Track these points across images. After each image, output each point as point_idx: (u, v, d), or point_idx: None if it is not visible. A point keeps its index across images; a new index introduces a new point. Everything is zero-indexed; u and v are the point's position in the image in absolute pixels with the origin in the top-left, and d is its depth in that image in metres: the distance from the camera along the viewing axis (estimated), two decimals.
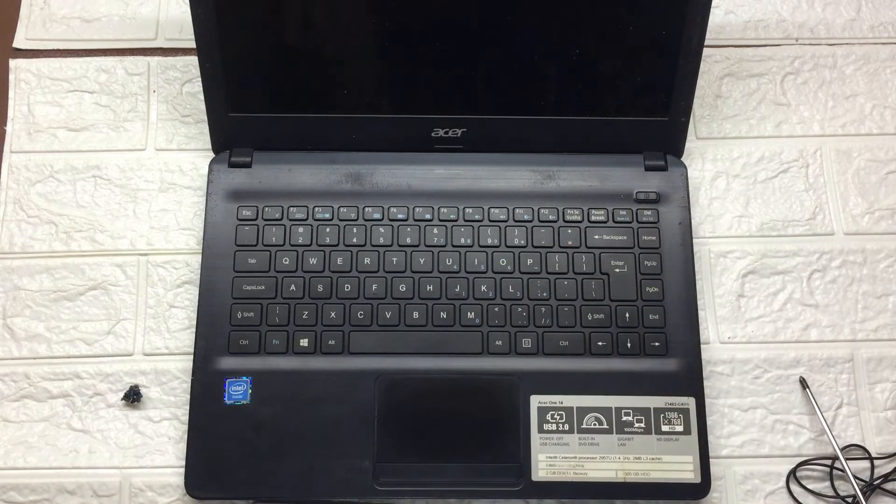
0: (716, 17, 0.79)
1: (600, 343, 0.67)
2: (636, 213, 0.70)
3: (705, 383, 0.67)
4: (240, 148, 0.71)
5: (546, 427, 0.65)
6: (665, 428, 0.65)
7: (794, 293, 0.71)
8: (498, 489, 0.64)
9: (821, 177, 0.74)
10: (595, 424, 0.65)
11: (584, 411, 0.65)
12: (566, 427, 0.65)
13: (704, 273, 0.72)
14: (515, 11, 0.65)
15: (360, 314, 0.67)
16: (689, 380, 0.66)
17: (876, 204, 0.74)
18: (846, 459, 0.66)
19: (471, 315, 0.67)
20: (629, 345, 0.67)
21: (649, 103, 0.69)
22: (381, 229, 0.69)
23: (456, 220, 0.70)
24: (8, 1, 0.78)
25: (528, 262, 0.69)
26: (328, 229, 0.69)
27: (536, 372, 0.66)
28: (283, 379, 0.66)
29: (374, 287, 0.68)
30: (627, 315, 0.68)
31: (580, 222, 0.70)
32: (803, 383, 0.69)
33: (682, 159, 0.72)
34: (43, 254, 0.71)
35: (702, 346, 0.67)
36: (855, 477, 0.65)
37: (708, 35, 0.66)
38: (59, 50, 0.77)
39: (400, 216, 0.70)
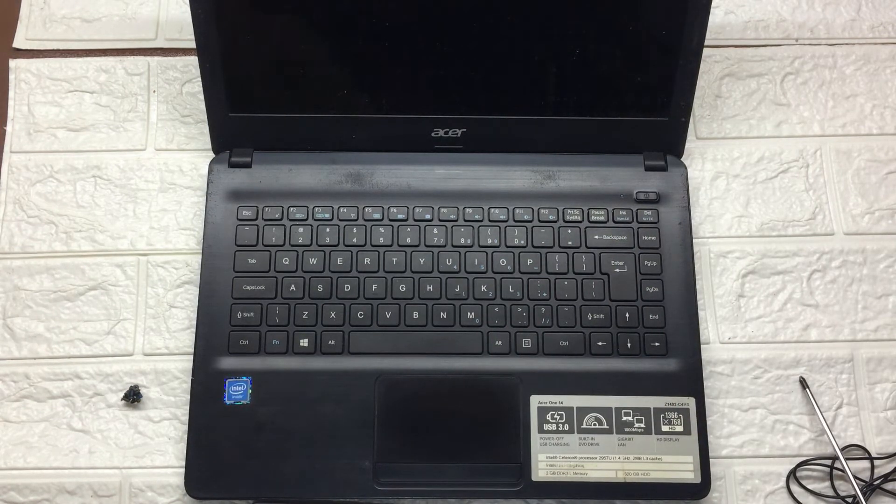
0: (716, 17, 0.79)
1: (600, 343, 0.67)
2: (636, 213, 0.70)
3: (705, 383, 0.67)
4: (240, 148, 0.71)
5: (546, 427, 0.65)
6: (665, 428, 0.65)
7: (794, 293, 0.71)
8: (498, 489, 0.64)
9: (821, 177, 0.74)
10: (595, 424, 0.65)
11: (584, 411, 0.65)
12: (566, 427, 0.65)
13: (704, 273, 0.72)
14: (515, 11, 0.65)
15: (360, 314, 0.67)
16: (689, 380, 0.66)
17: (876, 204, 0.74)
18: (846, 459, 0.66)
19: (471, 315, 0.67)
20: (629, 345, 0.67)
21: (649, 103, 0.69)
22: (381, 229, 0.69)
23: (456, 221, 0.70)
24: (8, 1, 0.78)
25: (528, 262, 0.69)
26: (328, 229, 0.69)
27: (536, 372, 0.66)
28: (283, 379, 0.66)
29: (374, 287, 0.68)
30: (627, 315, 0.68)
31: (580, 222, 0.70)
32: (803, 383, 0.69)
33: (682, 159, 0.72)
34: (43, 254, 0.71)
35: (702, 346, 0.67)
36: (855, 477, 0.65)
37: (708, 35, 0.66)
38: (59, 50, 0.77)
39: (400, 216, 0.70)
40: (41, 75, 0.76)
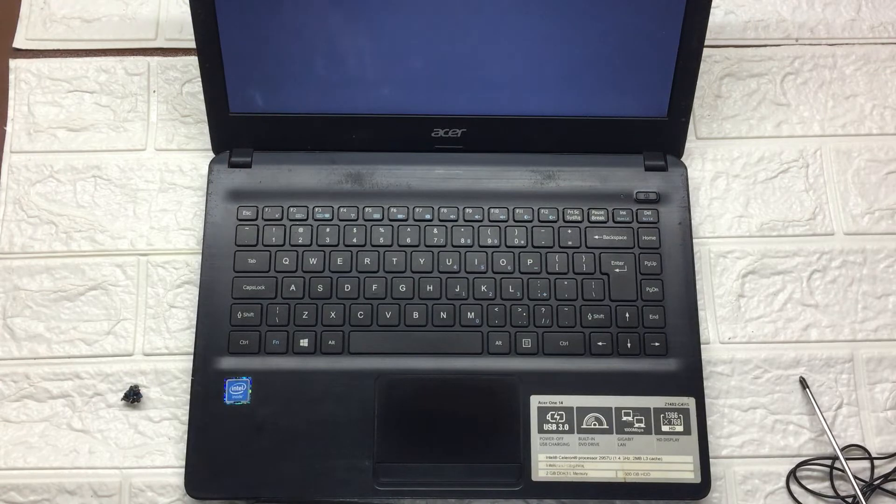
0: (716, 17, 0.79)
1: (600, 343, 0.67)
2: (636, 213, 0.70)
3: (705, 383, 0.67)
4: (240, 148, 0.71)
5: (546, 427, 0.65)
6: (665, 428, 0.65)
7: (794, 293, 0.71)
8: (498, 489, 0.64)
9: (821, 177, 0.74)
10: (595, 424, 0.65)
11: (584, 411, 0.65)
12: (566, 427, 0.65)
13: (704, 273, 0.72)
14: (515, 11, 0.65)
15: (360, 314, 0.67)
16: (689, 380, 0.66)
17: (876, 204, 0.74)
18: (846, 459, 0.66)
19: (471, 315, 0.67)
20: (629, 345, 0.67)
21: (649, 103, 0.69)
22: (381, 229, 0.69)
23: (456, 221, 0.70)
24: (8, 1, 0.78)
25: (528, 262, 0.69)
26: (328, 229, 0.69)
27: (536, 372, 0.66)
28: (283, 379, 0.66)
29: (374, 287, 0.68)
30: (627, 315, 0.68)
31: (580, 222, 0.70)
32: (803, 383, 0.69)
33: (682, 159, 0.72)
34: (43, 254, 0.71)
35: (702, 346, 0.67)
36: (855, 477, 0.65)
37: (708, 35, 0.66)
38: (59, 50, 0.77)
39: (400, 216, 0.70)
40: (41, 75, 0.76)
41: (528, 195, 0.71)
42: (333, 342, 0.67)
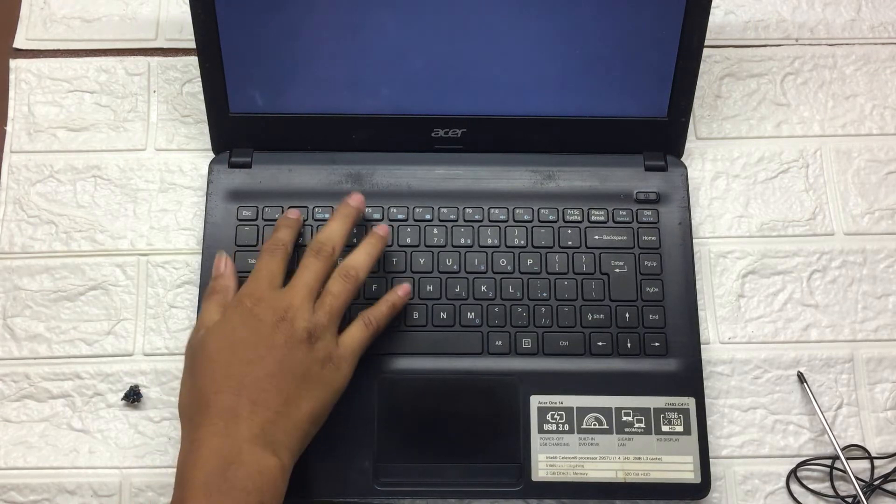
0: (716, 17, 0.79)
1: (600, 343, 0.67)
2: (636, 213, 0.70)
3: (705, 383, 0.67)
4: (240, 148, 0.71)
5: (546, 427, 0.65)
6: (665, 428, 0.65)
7: (794, 293, 0.71)
8: (498, 489, 0.64)
9: (821, 177, 0.74)
10: (595, 424, 0.65)
11: (584, 411, 0.65)
12: (566, 427, 0.65)
13: (704, 273, 0.72)
14: (515, 11, 0.65)
15: None
16: (689, 380, 0.66)
17: (876, 204, 0.74)
18: (846, 459, 0.66)
19: (471, 315, 0.67)
20: (629, 345, 0.67)
21: (649, 103, 0.69)
22: None
23: (456, 221, 0.70)
24: (8, 1, 0.78)
25: (528, 263, 0.69)
26: None
27: (536, 372, 0.66)
28: None
29: (373, 287, 0.68)
30: (627, 315, 0.68)
31: (580, 222, 0.70)
32: (801, 378, 0.68)
33: (682, 159, 0.72)
34: (43, 254, 0.71)
35: (702, 346, 0.67)
36: (855, 477, 0.65)
37: (708, 35, 0.66)
38: (59, 50, 0.77)
39: (400, 216, 0.70)
40: (41, 75, 0.76)
41: (528, 195, 0.71)
42: None
